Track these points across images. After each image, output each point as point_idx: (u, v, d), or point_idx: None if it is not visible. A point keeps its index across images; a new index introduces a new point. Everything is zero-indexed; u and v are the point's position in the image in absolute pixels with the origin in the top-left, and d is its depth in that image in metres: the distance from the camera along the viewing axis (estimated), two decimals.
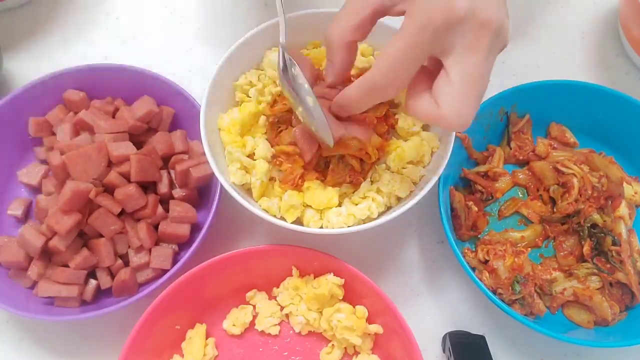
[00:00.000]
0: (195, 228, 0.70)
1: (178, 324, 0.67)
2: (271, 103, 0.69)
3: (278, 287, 0.69)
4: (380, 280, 0.72)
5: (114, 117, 0.73)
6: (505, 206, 0.74)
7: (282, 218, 0.64)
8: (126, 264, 0.67)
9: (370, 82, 0.51)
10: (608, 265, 0.68)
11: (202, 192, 0.73)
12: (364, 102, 0.53)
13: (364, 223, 0.63)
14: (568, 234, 0.72)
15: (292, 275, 0.68)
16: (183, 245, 0.69)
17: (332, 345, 0.67)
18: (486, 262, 0.69)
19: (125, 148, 0.67)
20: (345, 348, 0.67)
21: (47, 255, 0.66)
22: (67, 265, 0.65)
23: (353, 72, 0.68)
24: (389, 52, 0.48)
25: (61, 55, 0.85)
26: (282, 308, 0.69)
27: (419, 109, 0.50)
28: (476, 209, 0.72)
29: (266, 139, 0.67)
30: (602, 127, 0.76)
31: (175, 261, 0.68)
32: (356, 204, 0.64)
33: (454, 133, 0.64)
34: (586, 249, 0.69)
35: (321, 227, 0.64)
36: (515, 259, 0.68)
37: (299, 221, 0.65)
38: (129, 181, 0.67)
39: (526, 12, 0.89)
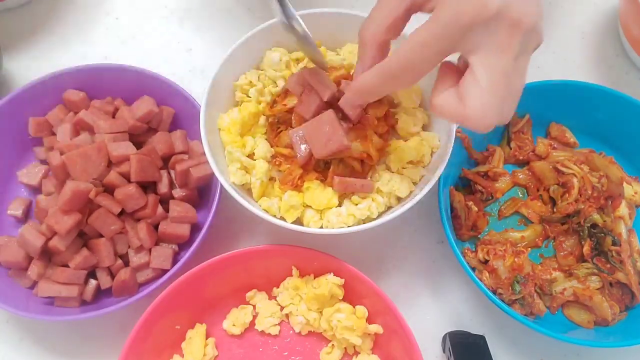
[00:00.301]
0: (195, 228, 0.70)
1: (178, 324, 0.67)
2: (271, 103, 0.69)
3: (278, 287, 0.69)
4: (380, 280, 0.72)
5: (114, 117, 0.73)
6: (505, 206, 0.74)
7: (282, 218, 0.64)
8: (126, 264, 0.67)
9: (388, 69, 0.50)
10: (608, 265, 0.68)
11: (202, 192, 0.73)
12: (380, 89, 0.52)
13: (364, 223, 0.63)
14: (568, 234, 0.72)
15: (292, 275, 0.68)
16: (183, 245, 0.69)
17: (332, 345, 0.67)
18: (486, 262, 0.69)
19: (125, 148, 0.68)
20: (345, 348, 0.67)
21: (47, 255, 0.66)
22: (67, 265, 0.65)
23: (353, 71, 0.68)
24: (410, 42, 0.47)
25: (61, 55, 0.85)
26: (282, 308, 0.69)
27: (443, 107, 0.49)
28: (476, 209, 0.72)
29: (266, 139, 0.67)
30: (602, 127, 0.76)
31: (175, 261, 0.68)
32: (356, 204, 0.64)
33: (454, 133, 0.64)
34: (586, 249, 0.69)
35: (321, 227, 0.64)
36: (515, 259, 0.68)
37: (299, 221, 0.65)
38: (129, 181, 0.67)
39: None
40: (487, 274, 0.67)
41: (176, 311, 0.66)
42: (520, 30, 0.45)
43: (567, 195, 0.72)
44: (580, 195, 0.71)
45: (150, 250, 0.67)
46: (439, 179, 0.64)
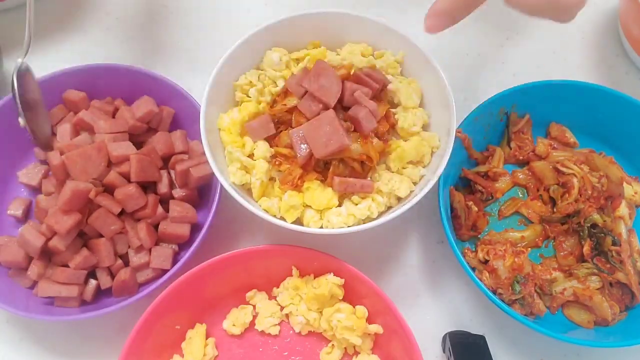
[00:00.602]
0: (195, 228, 0.70)
1: (178, 324, 0.67)
2: (271, 103, 0.69)
3: (278, 287, 0.69)
4: (380, 280, 0.72)
5: (114, 117, 0.73)
6: (505, 206, 0.74)
7: (282, 218, 0.64)
8: (126, 264, 0.67)
9: None
10: (608, 265, 0.68)
11: (202, 192, 0.73)
12: (456, 11, 0.51)
13: (364, 223, 0.63)
14: (568, 234, 0.72)
15: (292, 275, 0.68)
16: (183, 245, 0.69)
17: (332, 345, 0.67)
18: (486, 262, 0.69)
19: (125, 148, 0.68)
20: (345, 348, 0.67)
21: (47, 255, 0.67)
22: (67, 265, 0.65)
23: (352, 71, 0.68)
24: None
25: (61, 55, 0.85)
26: (282, 308, 0.69)
27: None
28: (476, 209, 0.72)
29: (266, 139, 0.67)
30: (602, 127, 0.76)
31: (175, 261, 0.68)
32: (356, 204, 0.64)
33: (454, 133, 0.64)
34: (586, 249, 0.69)
35: (321, 227, 0.64)
36: (515, 259, 0.68)
37: (299, 221, 0.65)
38: (129, 181, 0.67)
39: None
40: (487, 274, 0.67)
41: (176, 311, 0.66)
42: None
43: (567, 195, 0.72)
44: (580, 195, 0.71)
45: (150, 250, 0.67)
46: (439, 179, 0.64)
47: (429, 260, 0.74)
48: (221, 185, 0.64)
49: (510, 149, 0.77)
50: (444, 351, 0.68)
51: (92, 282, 0.67)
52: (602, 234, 0.69)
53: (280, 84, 0.70)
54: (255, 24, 0.69)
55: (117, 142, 0.68)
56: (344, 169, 0.65)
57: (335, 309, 0.66)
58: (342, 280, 0.66)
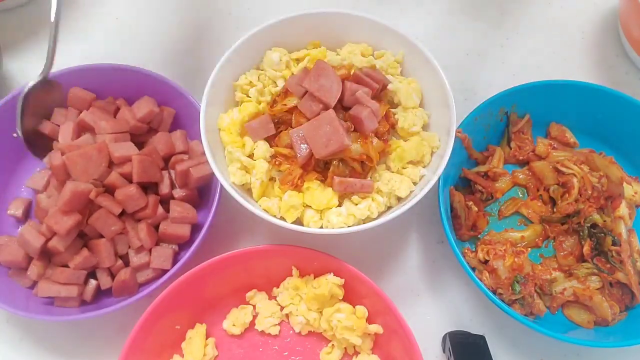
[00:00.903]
0: (195, 228, 0.70)
1: (178, 324, 0.67)
2: (271, 103, 0.69)
3: (278, 287, 0.69)
4: (380, 280, 0.72)
5: (115, 117, 0.73)
6: (505, 206, 0.74)
7: (282, 218, 0.64)
8: (126, 264, 0.67)
9: None
10: (608, 265, 0.68)
11: (202, 192, 0.73)
12: None
13: (364, 223, 0.63)
14: (568, 234, 0.72)
15: (292, 275, 0.68)
16: (183, 245, 0.69)
17: (332, 345, 0.67)
18: (486, 262, 0.69)
19: (127, 149, 0.67)
20: (345, 348, 0.67)
21: (47, 255, 0.66)
22: (66, 266, 0.65)
23: (352, 71, 0.68)
24: None
25: (61, 55, 0.85)
26: (282, 308, 0.69)
27: None
28: (476, 209, 0.72)
29: (266, 139, 0.67)
30: (602, 127, 0.76)
31: (175, 261, 0.67)
32: (356, 204, 0.64)
33: (454, 133, 0.64)
34: (586, 249, 0.69)
35: (321, 227, 0.64)
36: (515, 259, 0.68)
37: (299, 221, 0.65)
38: (130, 181, 0.67)
39: (526, 12, 0.89)
40: (487, 274, 0.67)
41: (176, 311, 0.66)
42: None
43: (567, 195, 0.72)
44: (580, 195, 0.71)
45: (150, 250, 0.67)
46: (439, 179, 0.64)
47: (429, 260, 0.74)
48: (221, 185, 0.64)
49: (510, 149, 0.77)
50: (444, 351, 0.68)
51: (92, 282, 0.67)
52: (602, 234, 0.69)
53: (280, 84, 0.70)
54: (256, 24, 0.69)
55: (118, 143, 0.68)
56: (344, 169, 0.65)
57: (335, 309, 0.66)
58: (342, 280, 0.66)
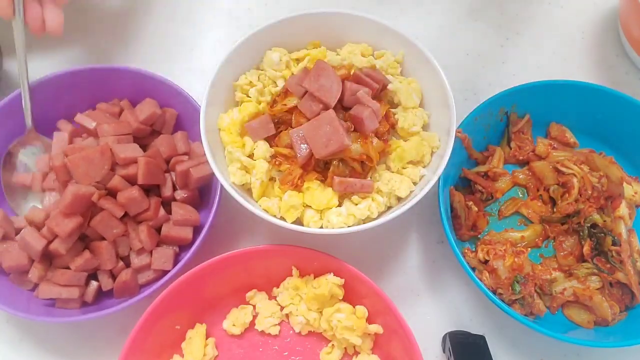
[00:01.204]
0: (195, 228, 0.70)
1: (178, 324, 0.67)
2: (271, 103, 0.69)
3: (278, 287, 0.69)
4: (380, 280, 0.72)
5: (119, 117, 0.73)
6: (505, 206, 0.74)
7: (282, 218, 0.64)
8: (127, 265, 0.67)
9: None
10: (608, 265, 0.68)
11: (202, 193, 0.73)
12: None
13: (364, 223, 0.63)
14: (568, 234, 0.72)
15: (292, 275, 0.68)
16: (184, 245, 0.69)
17: (332, 345, 0.67)
18: (486, 262, 0.69)
19: (132, 150, 0.67)
20: (345, 348, 0.67)
21: (48, 257, 0.66)
22: (68, 267, 0.65)
23: (352, 71, 0.68)
24: None
25: (61, 55, 0.85)
26: (282, 308, 0.69)
27: None
28: (476, 209, 0.72)
29: (266, 139, 0.67)
30: (602, 127, 0.76)
31: (176, 262, 0.67)
32: (356, 204, 0.64)
33: (454, 133, 0.64)
34: (586, 249, 0.69)
35: (321, 227, 0.64)
36: (515, 259, 0.68)
37: (299, 221, 0.65)
38: (132, 184, 0.66)
39: (526, 12, 0.89)
40: (487, 274, 0.67)
41: (176, 311, 0.66)
42: None
43: (567, 195, 0.72)
44: (580, 195, 0.71)
45: (151, 252, 0.67)
46: (439, 179, 0.64)
47: (429, 260, 0.74)
48: (221, 186, 0.64)
49: (510, 149, 0.77)
50: (444, 351, 0.68)
51: (93, 284, 0.67)
52: (602, 234, 0.69)
53: (280, 84, 0.70)
54: (256, 24, 0.69)
55: (123, 145, 0.67)
56: (344, 169, 0.65)
57: (335, 309, 0.66)
58: (342, 280, 0.66)
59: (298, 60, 0.72)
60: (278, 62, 0.70)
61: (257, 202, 0.66)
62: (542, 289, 0.68)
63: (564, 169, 0.73)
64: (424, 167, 0.68)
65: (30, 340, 0.70)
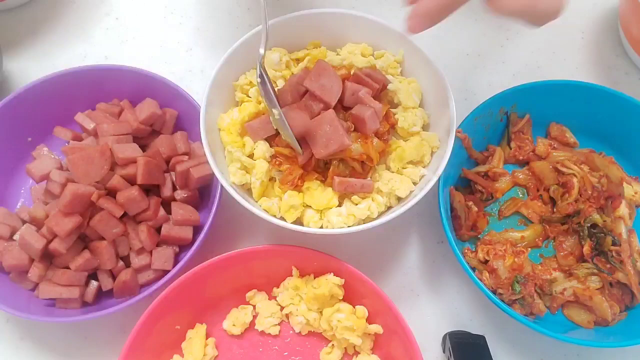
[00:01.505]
0: (195, 228, 0.70)
1: (178, 324, 0.67)
2: None
3: (278, 287, 0.69)
4: (380, 280, 0.72)
5: (119, 117, 0.73)
6: (505, 206, 0.74)
7: (282, 218, 0.64)
8: (127, 265, 0.67)
9: None
10: (608, 265, 0.68)
11: (202, 193, 0.73)
12: (442, 9, 0.51)
13: (364, 223, 0.63)
14: (568, 234, 0.72)
15: (292, 275, 0.68)
16: (184, 245, 0.69)
17: (332, 345, 0.67)
18: (486, 262, 0.69)
19: (132, 150, 0.67)
20: (345, 348, 0.67)
21: (48, 257, 0.66)
22: (68, 267, 0.65)
23: (352, 71, 0.68)
24: None
25: (61, 55, 0.85)
26: (282, 308, 0.69)
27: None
28: (476, 209, 0.72)
29: (266, 139, 0.67)
30: (602, 127, 0.76)
31: (176, 262, 0.67)
32: (356, 204, 0.64)
33: (454, 133, 0.64)
34: (586, 249, 0.69)
35: (321, 227, 0.64)
36: (515, 259, 0.68)
37: (299, 221, 0.65)
38: (132, 184, 0.66)
39: None
40: (487, 274, 0.67)
41: (176, 311, 0.66)
42: None
43: (567, 195, 0.72)
44: (580, 195, 0.71)
45: (151, 252, 0.67)
46: (439, 179, 0.64)
47: (429, 260, 0.74)
48: (221, 186, 0.64)
49: (510, 149, 0.77)
50: (444, 351, 0.68)
51: (94, 284, 0.67)
52: (602, 234, 0.69)
53: (280, 84, 0.70)
54: (256, 24, 0.69)
55: (122, 144, 0.68)
56: (344, 169, 0.65)
57: (335, 309, 0.66)
58: (342, 280, 0.66)
59: (298, 60, 0.72)
60: (278, 62, 0.70)
61: (257, 202, 0.66)
62: (542, 289, 0.68)
63: (564, 169, 0.73)
64: (424, 167, 0.68)
65: (30, 340, 0.70)
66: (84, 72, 0.74)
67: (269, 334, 0.69)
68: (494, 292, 0.67)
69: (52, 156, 0.72)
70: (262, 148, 0.65)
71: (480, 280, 0.66)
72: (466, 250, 0.70)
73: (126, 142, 0.69)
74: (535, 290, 0.67)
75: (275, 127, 0.65)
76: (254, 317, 0.69)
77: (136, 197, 0.65)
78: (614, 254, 0.68)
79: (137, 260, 0.67)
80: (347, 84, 0.65)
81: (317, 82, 0.64)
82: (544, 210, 0.73)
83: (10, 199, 0.74)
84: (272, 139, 0.67)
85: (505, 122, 0.77)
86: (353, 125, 0.64)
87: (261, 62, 0.64)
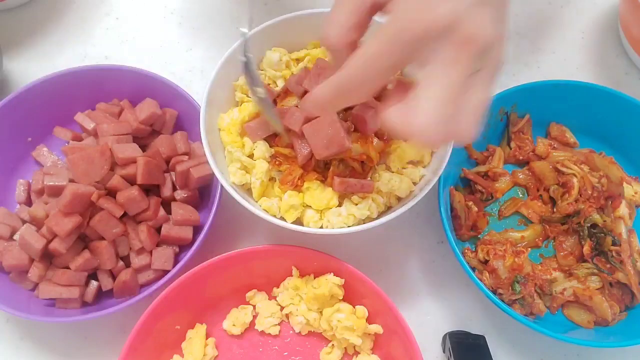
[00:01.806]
0: (195, 228, 0.70)
1: (178, 324, 0.67)
2: None
3: (278, 287, 0.69)
4: (380, 280, 0.71)
5: (119, 117, 0.73)
6: (505, 206, 0.74)
7: (282, 218, 0.64)
8: (127, 265, 0.67)
9: (340, 83, 0.47)
10: (608, 265, 0.68)
11: (202, 193, 0.73)
12: (333, 103, 0.49)
13: (364, 223, 0.63)
14: (568, 234, 0.72)
15: (292, 275, 0.68)
16: (184, 245, 0.69)
17: (332, 345, 0.67)
18: (486, 262, 0.69)
19: (132, 150, 0.67)
20: (345, 348, 0.67)
21: (48, 257, 0.66)
22: (68, 267, 0.65)
23: None
24: (361, 54, 0.45)
25: (61, 55, 0.85)
26: (282, 308, 0.69)
27: (389, 120, 0.45)
28: (476, 209, 0.72)
29: (266, 139, 0.67)
30: (602, 127, 0.76)
31: (176, 262, 0.67)
32: (356, 204, 0.64)
33: None
34: (586, 249, 0.69)
35: (321, 227, 0.64)
36: (515, 259, 0.68)
37: (299, 221, 0.65)
38: (132, 184, 0.66)
39: (525, 12, 0.89)
40: (487, 274, 0.67)
41: (176, 311, 0.66)
42: (472, 47, 0.42)
43: (567, 195, 0.72)
44: (580, 195, 0.71)
45: (151, 252, 0.67)
46: (439, 179, 0.64)
47: (429, 260, 0.74)
48: (221, 186, 0.64)
49: (510, 149, 0.77)
50: (444, 351, 0.68)
51: (94, 284, 0.67)
52: (602, 234, 0.69)
53: (280, 84, 0.70)
54: (256, 24, 0.69)
55: (122, 144, 0.68)
56: (344, 169, 0.65)
57: (335, 309, 0.66)
58: (342, 280, 0.66)
59: (298, 60, 0.72)
60: (278, 62, 0.70)
61: (257, 202, 0.66)
62: (542, 289, 0.68)
63: (564, 169, 0.73)
64: (424, 167, 0.68)
65: (30, 340, 0.70)
66: (84, 72, 0.74)
67: (269, 334, 0.69)
68: (494, 292, 0.67)
69: (52, 156, 0.72)
70: (262, 148, 0.65)
71: (480, 280, 0.66)
72: (466, 250, 0.70)
73: (126, 142, 0.69)
74: (535, 290, 0.67)
75: (259, 107, 0.64)
76: (254, 317, 0.69)
77: (136, 197, 0.65)
78: (614, 254, 0.68)
79: (137, 260, 0.67)
80: None
81: (317, 82, 0.64)
82: (544, 210, 0.73)
83: (9, 198, 0.74)
84: (272, 139, 0.67)
85: (505, 122, 0.77)
86: (353, 126, 0.64)
87: (245, 43, 0.61)
